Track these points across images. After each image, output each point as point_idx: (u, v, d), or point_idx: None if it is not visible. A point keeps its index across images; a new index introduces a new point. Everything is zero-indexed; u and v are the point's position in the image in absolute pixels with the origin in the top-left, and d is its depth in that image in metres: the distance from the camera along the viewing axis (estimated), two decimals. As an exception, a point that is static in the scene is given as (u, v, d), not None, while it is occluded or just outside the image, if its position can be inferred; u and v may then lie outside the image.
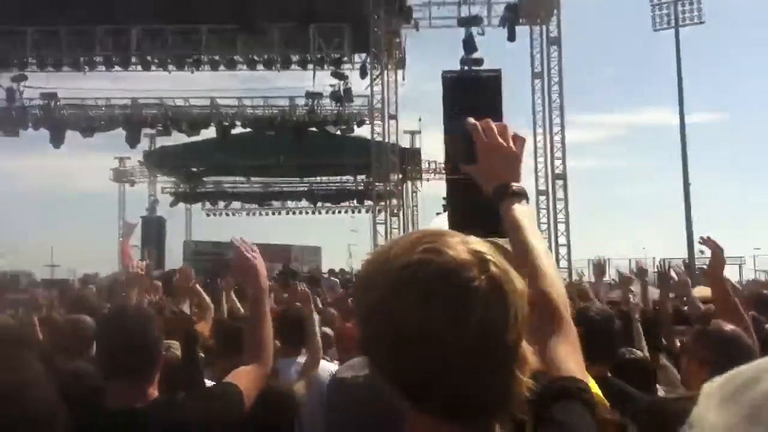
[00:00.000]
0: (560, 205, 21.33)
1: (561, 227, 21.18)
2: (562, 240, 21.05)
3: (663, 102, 75.12)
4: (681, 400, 2.35)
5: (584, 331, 3.39)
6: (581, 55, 64.85)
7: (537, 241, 1.49)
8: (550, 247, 20.82)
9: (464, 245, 1.04)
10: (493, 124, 1.57)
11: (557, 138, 21.47)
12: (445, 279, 0.99)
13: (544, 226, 21.66)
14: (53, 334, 4.42)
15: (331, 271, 23.39)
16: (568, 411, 1.17)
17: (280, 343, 4.61)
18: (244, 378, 2.45)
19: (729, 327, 3.10)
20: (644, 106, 78.06)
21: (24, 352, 2.42)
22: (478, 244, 1.06)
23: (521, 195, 1.55)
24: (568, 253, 20.88)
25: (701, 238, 4.19)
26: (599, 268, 7.37)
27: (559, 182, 21.43)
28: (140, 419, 2.22)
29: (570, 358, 1.30)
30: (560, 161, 21.40)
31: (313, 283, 16.80)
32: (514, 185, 1.54)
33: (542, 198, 21.87)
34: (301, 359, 4.26)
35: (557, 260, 20.74)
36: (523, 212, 1.52)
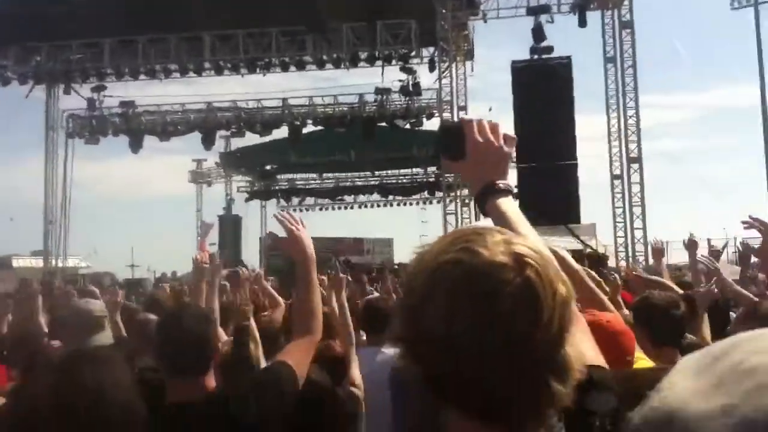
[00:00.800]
0: (635, 189, 20.88)
1: (636, 211, 20.76)
2: (637, 224, 20.64)
3: (743, 80, 72.12)
4: (655, 370, 2.32)
5: (649, 316, 3.45)
6: (655, 36, 62.92)
7: (530, 232, 1.44)
8: (624, 231, 20.43)
9: (504, 245, 0.99)
10: (486, 122, 1.56)
11: (631, 121, 21.01)
12: (472, 281, 0.96)
13: (619, 211, 21.33)
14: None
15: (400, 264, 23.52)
16: (595, 401, 1.18)
17: (364, 333, 4.65)
18: (296, 352, 2.49)
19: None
20: (723, 85, 75.30)
21: (116, 352, 2.52)
22: (522, 246, 1.01)
23: (507, 192, 1.54)
24: (644, 237, 20.44)
25: (747, 219, 4.10)
26: (658, 251, 7.15)
27: (635, 166, 20.97)
28: (198, 412, 2.30)
29: (584, 344, 1.29)
30: (635, 144, 20.93)
31: (382, 273, 16.98)
32: (501, 183, 1.52)
33: (617, 182, 21.51)
34: (386, 349, 4.20)
35: (633, 245, 20.39)
36: (510, 207, 1.51)
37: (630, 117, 21.06)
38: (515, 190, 1.54)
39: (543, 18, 20.26)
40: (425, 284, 0.99)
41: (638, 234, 20.64)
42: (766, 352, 0.58)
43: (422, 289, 0.99)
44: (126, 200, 66.92)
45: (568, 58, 20.22)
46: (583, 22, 20.65)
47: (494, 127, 1.55)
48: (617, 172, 21.62)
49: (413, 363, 1.02)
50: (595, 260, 16.56)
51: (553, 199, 19.22)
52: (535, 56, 20.33)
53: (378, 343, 4.31)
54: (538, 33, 20.02)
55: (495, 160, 1.53)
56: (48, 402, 1.50)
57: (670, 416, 0.60)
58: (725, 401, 0.56)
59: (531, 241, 1.07)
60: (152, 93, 25.56)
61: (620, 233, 21.30)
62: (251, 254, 35.97)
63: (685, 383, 0.61)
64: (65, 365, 1.61)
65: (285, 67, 22.53)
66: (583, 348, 1.25)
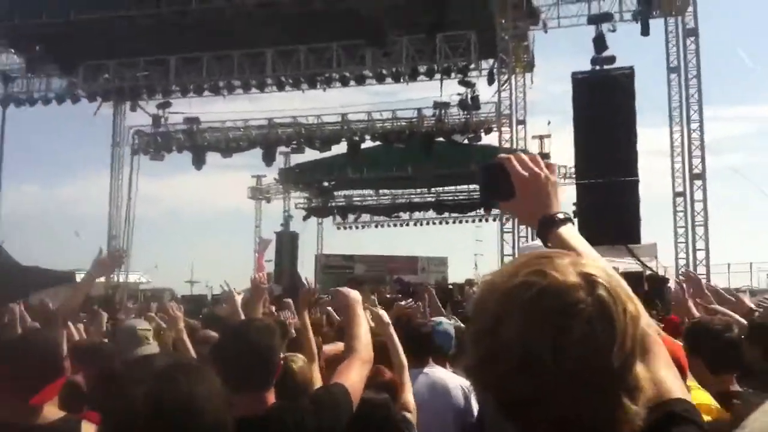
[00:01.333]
0: (698, 207, 20.10)
1: (699, 231, 19.93)
2: (700, 245, 19.84)
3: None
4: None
5: (703, 341, 3.31)
6: (721, 44, 61.53)
7: (596, 257, 1.42)
8: (686, 252, 19.75)
9: (573, 267, 1.03)
10: (524, 155, 1.54)
11: (695, 135, 20.34)
12: (546, 301, 0.98)
13: (681, 230, 20.61)
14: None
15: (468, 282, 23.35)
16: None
17: (404, 353, 4.67)
18: (349, 374, 2.61)
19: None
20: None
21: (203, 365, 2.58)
22: (590, 266, 1.04)
23: (567, 221, 1.50)
24: (707, 258, 19.64)
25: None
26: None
27: (698, 183, 20.23)
28: (260, 427, 2.38)
29: (668, 375, 1.26)
30: (699, 160, 20.23)
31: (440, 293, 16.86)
32: (560, 213, 1.50)
33: (679, 200, 20.76)
34: (429, 369, 4.30)
35: (694, 266, 19.66)
36: (573, 236, 1.47)
37: (694, 131, 20.35)
38: (573, 218, 1.52)
39: (605, 27, 19.99)
40: (498, 307, 1.02)
41: (700, 255, 19.86)
42: None
43: (495, 311, 1.02)
44: (187, 216, 68.36)
45: (631, 68, 19.89)
46: (646, 31, 20.31)
47: (534, 159, 1.53)
48: (680, 189, 20.89)
49: (487, 388, 1.05)
50: (655, 283, 16.17)
51: (612, 218, 18.80)
52: (597, 67, 20.07)
53: (420, 365, 4.31)
54: (599, 42, 19.77)
55: (544, 191, 1.50)
56: (144, 410, 1.52)
57: None
58: None
59: (597, 262, 1.09)
60: (216, 109, 26.20)
61: (682, 254, 20.50)
62: (307, 271, 36.19)
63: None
64: (162, 375, 1.64)
65: (345, 82, 22.81)
66: (665, 378, 1.25)
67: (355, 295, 2.99)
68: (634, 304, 1.04)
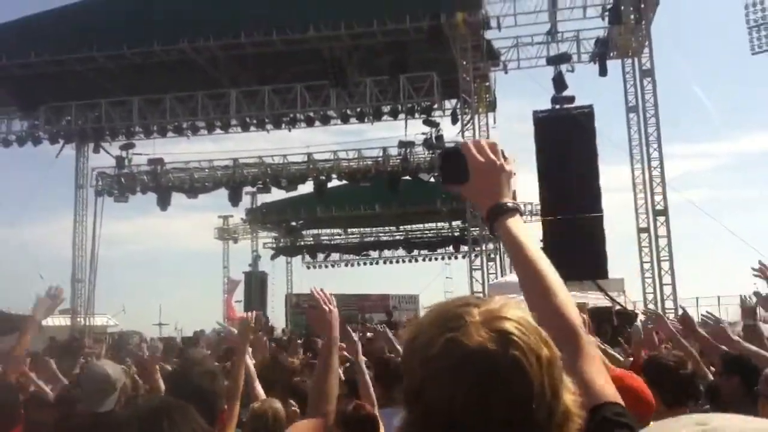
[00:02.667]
0: (663, 243, 20.28)
1: (665, 266, 20.10)
2: (666, 279, 20.01)
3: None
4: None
5: (658, 377, 3.35)
6: (676, 83, 62.98)
7: (543, 259, 1.46)
8: (653, 287, 19.90)
9: (486, 326, 1.05)
10: (484, 142, 1.56)
11: (656, 172, 20.57)
12: (466, 368, 1.01)
13: (647, 266, 20.75)
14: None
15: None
16: None
17: (382, 391, 4.59)
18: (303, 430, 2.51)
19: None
20: (749, 133, 74.70)
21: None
22: (505, 320, 1.06)
23: (516, 211, 1.52)
24: (674, 292, 19.76)
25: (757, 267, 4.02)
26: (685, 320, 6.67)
27: (661, 218, 20.43)
28: None
29: (598, 376, 1.29)
30: (660, 196, 20.46)
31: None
32: (509, 202, 1.52)
33: (644, 236, 20.96)
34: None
35: (662, 300, 19.79)
36: (521, 228, 1.50)
37: (654, 168, 20.54)
38: (522, 209, 1.51)
39: (563, 67, 20.39)
40: (420, 372, 1.06)
41: (667, 290, 19.99)
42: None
43: (417, 376, 1.06)
44: (154, 257, 67.51)
45: (590, 107, 20.17)
46: (603, 71, 20.75)
47: (493, 146, 1.56)
48: (643, 225, 21.10)
49: None
50: (624, 317, 16.24)
51: (579, 254, 18.87)
52: (557, 106, 20.37)
53: (390, 402, 4.22)
54: (559, 82, 20.10)
55: (498, 179, 1.53)
56: None
57: None
58: None
59: (511, 308, 1.09)
60: (180, 150, 26.06)
61: (649, 289, 20.62)
62: (277, 311, 35.98)
63: None
64: (147, 416, 1.63)
65: (310, 122, 22.85)
66: (595, 380, 1.28)
67: (336, 331, 2.77)
68: (548, 347, 1.06)
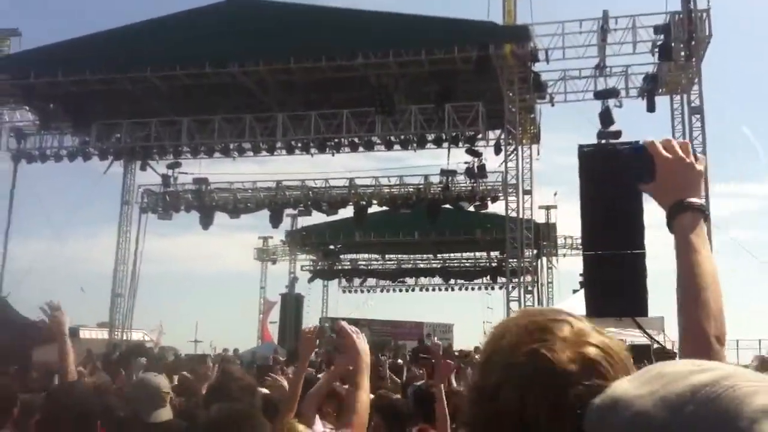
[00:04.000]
0: (705, 282, 19.93)
1: None
2: None
3: (817, 169, 69.90)
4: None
5: None
6: (726, 121, 62.10)
7: (705, 267, 1.41)
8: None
9: (573, 348, 1.05)
10: (675, 141, 1.53)
11: (702, 210, 20.30)
12: (543, 380, 1.02)
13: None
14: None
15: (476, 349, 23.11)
16: None
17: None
18: None
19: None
20: (797, 174, 73.12)
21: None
22: (589, 344, 1.06)
23: (698, 210, 1.47)
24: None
25: None
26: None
27: None
28: None
29: None
30: (707, 236, 20.12)
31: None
32: (691, 199, 1.47)
33: (687, 274, 20.69)
34: None
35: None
36: (696, 232, 1.45)
37: None
38: (708, 212, 1.50)
39: (611, 102, 20.26)
40: (500, 373, 1.06)
41: (708, 330, 19.65)
42: (677, 366, 0.86)
43: (498, 376, 1.07)
44: (193, 276, 68.23)
45: (637, 143, 19.99)
46: (651, 107, 20.55)
47: (684, 146, 1.53)
48: (686, 263, 20.86)
49: None
50: (663, 357, 15.95)
51: (620, 290, 18.63)
52: (603, 140, 20.23)
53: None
54: (606, 117, 19.97)
55: (685, 177, 1.50)
56: None
57: (615, 400, 0.87)
58: (650, 389, 0.84)
59: (601, 334, 1.10)
60: (225, 170, 26.44)
61: (689, 329, 20.38)
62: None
63: (624, 383, 0.89)
64: (214, 427, 1.68)
65: (354, 148, 23.01)
66: None
67: (364, 345, 2.96)
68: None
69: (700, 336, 1.33)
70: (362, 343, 2.97)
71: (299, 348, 4.32)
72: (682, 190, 1.49)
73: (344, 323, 3.03)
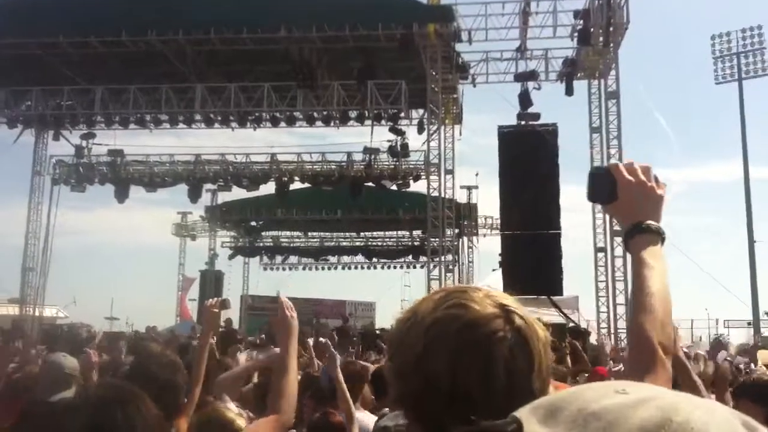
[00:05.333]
0: (618, 263, 20.55)
1: (619, 286, 20.36)
2: (620, 299, 20.28)
3: (726, 156, 73.37)
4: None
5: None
6: (640, 108, 64.26)
7: (655, 280, 1.45)
8: (607, 306, 20.20)
9: (489, 299, 1.09)
10: (637, 164, 1.57)
11: (616, 193, 20.86)
12: (472, 332, 1.04)
13: (602, 284, 21.10)
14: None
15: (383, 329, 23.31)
16: None
17: (376, 399, 4.70)
18: (263, 428, 2.62)
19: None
20: (708, 161, 76.44)
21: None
22: (502, 297, 1.12)
23: (655, 233, 1.52)
24: (627, 312, 20.14)
25: None
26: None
27: (618, 239, 20.69)
28: None
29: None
30: (619, 217, 20.71)
31: (368, 339, 16.79)
32: (649, 222, 1.52)
33: (600, 255, 21.35)
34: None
35: (615, 320, 20.04)
36: (650, 251, 1.49)
37: None
38: (665, 235, 1.55)
39: (530, 85, 20.60)
40: (423, 340, 1.06)
41: (621, 310, 20.25)
42: (603, 399, 0.68)
43: (420, 345, 1.06)
44: (108, 251, 66.50)
45: (554, 125, 20.47)
46: (569, 91, 21.02)
47: (646, 170, 1.56)
48: (601, 244, 21.45)
49: (419, 420, 1.08)
50: (577, 335, 16.46)
51: (536, 270, 19.15)
52: (522, 122, 20.59)
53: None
54: (525, 99, 20.31)
55: (647, 200, 1.54)
56: None
57: None
58: None
59: (505, 294, 1.15)
60: (141, 143, 25.66)
61: (603, 308, 20.94)
62: (232, 312, 35.54)
63: (536, 427, 0.70)
64: (100, 404, 1.61)
65: (275, 122, 22.67)
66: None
67: (294, 324, 2.89)
68: (543, 330, 1.11)
69: (645, 341, 1.36)
70: (294, 321, 2.90)
71: (202, 321, 4.25)
72: (640, 213, 1.53)
73: (284, 297, 2.96)
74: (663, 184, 1.58)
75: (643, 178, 1.55)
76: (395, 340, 1.13)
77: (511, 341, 1.04)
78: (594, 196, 1.62)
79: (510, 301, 1.11)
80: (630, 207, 1.54)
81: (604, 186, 1.56)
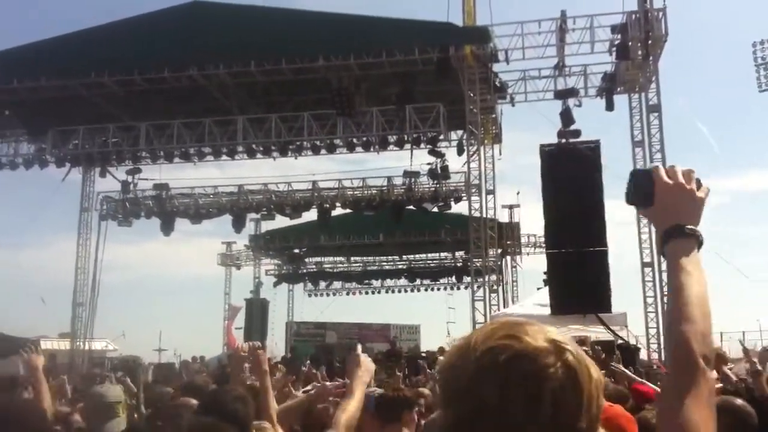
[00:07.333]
0: (666, 277, 20.14)
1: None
2: None
3: (772, 165, 71.58)
4: None
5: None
6: (683, 119, 63.34)
7: (694, 289, 1.40)
8: (656, 321, 19.80)
9: (542, 334, 1.10)
10: (678, 167, 1.53)
11: (662, 207, 20.49)
12: (522, 364, 1.05)
13: (650, 300, 20.70)
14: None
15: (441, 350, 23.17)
16: None
17: (378, 422, 4.64)
18: None
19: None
20: (754, 170, 74.69)
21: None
22: (556, 333, 1.13)
23: (692, 236, 1.46)
24: (662, 321, 19.77)
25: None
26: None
27: None
28: None
29: (705, 426, 1.20)
30: (666, 231, 20.31)
31: (412, 362, 16.73)
32: (687, 226, 1.46)
33: (647, 270, 20.94)
34: None
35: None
36: (687, 255, 1.44)
37: None
38: (703, 238, 1.48)
39: (571, 101, 20.44)
40: (472, 368, 1.08)
41: (670, 325, 19.87)
42: None
43: (471, 372, 1.08)
44: (155, 283, 67.36)
45: (597, 141, 20.20)
46: (610, 106, 20.83)
47: (687, 173, 1.53)
48: (647, 259, 21.06)
49: None
50: (627, 352, 16.15)
51: (583, 287, 18.84)
52: (563, 140, 20.40)
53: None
54: (566, 116, 20.14)
55: (685, 203, 1.49)
56: None
57: None
58: None
59: (560, 331, 1.17)
60: (185, 176, 26.13)
61: (652, 324, 20.51)
62: (278, 338, 35.81)
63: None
64: None
65: (316, 150, 22.88)
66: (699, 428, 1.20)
67: (370, 367, 3.14)
68: (597, 371, 1.11)
69: (687, 354, 1.31)
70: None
71: (230, 365, 4.29)
72: (678, 216, 1.48)
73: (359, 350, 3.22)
74: (705, 187, 1.53)
75: (682, 180, 1.50)
76: (448, 367, 1.14)
77: (561, 377, 1.05)
78: (632, 198, 1.57)
79: (563, 338, 1.12)
80: (667, 210, 1.50)
81: (644, 189, 1.53)
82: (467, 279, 28.28)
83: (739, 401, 3.44)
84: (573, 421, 1.04)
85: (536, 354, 1.06)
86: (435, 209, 25.23)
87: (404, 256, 35.67)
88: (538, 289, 24.92)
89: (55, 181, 24.76)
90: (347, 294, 38.28)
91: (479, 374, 1.07)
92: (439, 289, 36.57)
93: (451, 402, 1.10)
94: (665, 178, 1.50)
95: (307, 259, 36.46)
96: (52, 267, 60.73)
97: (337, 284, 37.81)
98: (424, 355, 22.59)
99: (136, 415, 5.37)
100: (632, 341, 20.60)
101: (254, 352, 4.13)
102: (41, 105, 21.79)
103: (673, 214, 1.48)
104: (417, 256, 35.77)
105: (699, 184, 1.53)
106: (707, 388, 1.27)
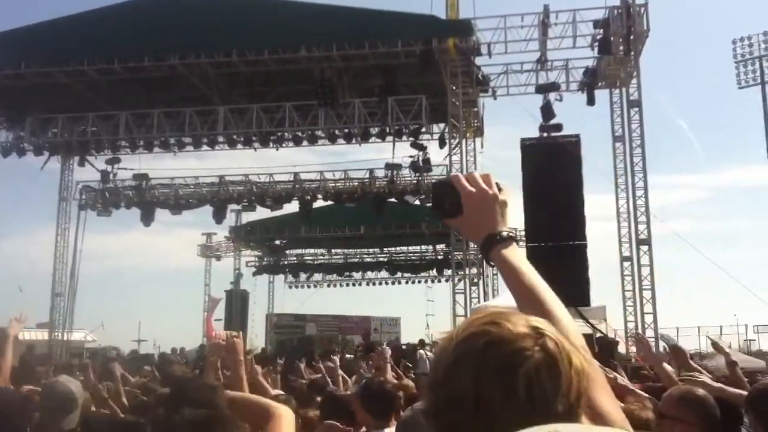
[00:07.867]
0: (645, 272, 20.28)
1: (646, 294, 20.10)
2: (648, 308, 20.01)
3: (752, 161, 72.37)
4: None
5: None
6: (663, 115, 63.84)
7: (541, 285, 1.44)
8: (635, 315, 19.98)
9: (524, 321, 1.09)
10: (476, 173, 1.55)
11: (640, 202, 20.49)
12: (498, 348, 1.04)
13: (629, 294, 20.82)
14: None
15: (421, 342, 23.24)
16: None
17: (368, 414, 4.64)
18: None
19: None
20: (732, 166, 75.45)
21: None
22: (541, 322, 1.10)
23: (511, 239, 1.50)
24: (654, 321, 19.80)
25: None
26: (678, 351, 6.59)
27: (644, 248, 20.44)
28: None
29: (611, 406, 1.26)
30: (644, 226, 20.47)
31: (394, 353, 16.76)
32: (503, 231, 1.50)
33: (626, 264, 21.06)
34: (389, 430, 4.17)
35: (643, 329, 19.81)
36: (516, 255, 1.48)
37: (639, 197, 20.45)
38: (517, 236, 1.55)
39: (552, 96, 20.51)
40: (452, 356, 1.07)
41: (648, 319, 19.96)
42: None
43: (449, 361, 1.07)
44: (135, 274, 67.00)
45: (577, 136, 20.30)
46: (591, 101, 20.94)
47: (486, 177, 1.55)
48: (627, 253, 21.18)
49: (445, 429, 1.07)
50: (606, 346, 16.29)
51: (562, 281, 18.59)
52: (544, 134, 20.47)
53: (382, 426, 4.22)
54: (547, 110, 20.21)
55: (492, 209, 1.52)
56: None
57: None
58: None
59: (544, 320, 1.14)
60: (165, 166, 25.95)
61: (630, 317, 20.63)
62: (258, 329, 35.76)
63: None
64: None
65: (297, 141, 22.78)
66: (608, 409, 1.25)
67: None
68: (581, 358, 1.08)
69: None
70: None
71: (206, 353, 4.29)
72: (489, 224, 1.51)
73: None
74: (506, 189, 1.55)
75: (484, 186, 1.52)
76: (433, 359, 1.15)
77: (537, 360, 1.03)
78: (438, 209, 1.57)
79: (547, 325, 1.10)
80: (476, 220, 1.52)
81: (449, 199, 1.53)
82: (448, 272, 28.36)
83: (701, 391, 3.45)
84: (548, 404, 1.02)
85: (514, 338, 1.05)
86: (417, 202, 25.23)
87: (385, 249, 35.73)
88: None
89: (33, 170, 24.50)
90: (328, 286, 38.29)
91: (457, 360, 1.06)
92: (420, 282, 36.70)
93: (432, 389, 1.10)
94: (468, 187, 1.52)
95: (287, 251, 36.42)
96: (30, 257, 60.17)
97: (317, 276, 37.79)
98: (404, 347, 22.66)
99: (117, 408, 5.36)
100: (611, 335, 20.78)
101: (230, 341, 4.09)
102: (21, 92, 21.53)
103: (484, 223, 1.51)
104: (398, 248, 35.84)
105: (499, 187, 1.54)
106: (599, 375, 1.28)
